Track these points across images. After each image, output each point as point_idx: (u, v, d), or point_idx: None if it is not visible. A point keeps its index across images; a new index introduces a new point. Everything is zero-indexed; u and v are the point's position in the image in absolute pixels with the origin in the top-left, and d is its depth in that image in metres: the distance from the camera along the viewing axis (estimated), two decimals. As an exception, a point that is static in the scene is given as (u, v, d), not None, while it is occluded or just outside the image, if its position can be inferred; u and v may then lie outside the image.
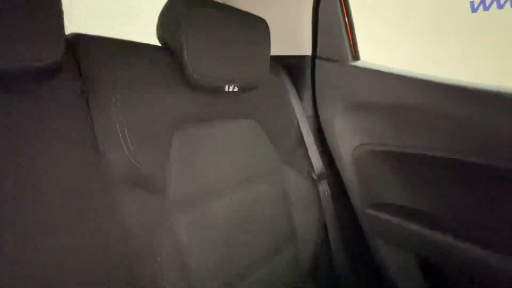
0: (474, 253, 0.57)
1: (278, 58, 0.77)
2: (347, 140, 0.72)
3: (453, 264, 0.62)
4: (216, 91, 0.54)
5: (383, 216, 0.70)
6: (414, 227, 0.66)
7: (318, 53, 0.74)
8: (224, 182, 0.55)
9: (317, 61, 0.75)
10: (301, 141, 0.73)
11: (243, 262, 0.56)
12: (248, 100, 0.63)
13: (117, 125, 0.42)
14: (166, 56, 0.51)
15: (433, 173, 0.64)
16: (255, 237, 0.59)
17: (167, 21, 0.52)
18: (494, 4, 1.98)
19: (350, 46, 0.72)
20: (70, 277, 0.36)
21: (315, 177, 0.72)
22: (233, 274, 0.54)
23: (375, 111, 0.67)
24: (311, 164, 0.72)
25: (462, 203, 0.61)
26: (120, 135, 0.42)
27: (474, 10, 2.09)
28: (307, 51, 0.75)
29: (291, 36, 0.76)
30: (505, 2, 1.88)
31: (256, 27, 0.58)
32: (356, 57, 0.72)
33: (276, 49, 0.72)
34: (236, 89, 0.55)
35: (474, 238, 0.58)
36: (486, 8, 2.05)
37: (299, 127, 0.72)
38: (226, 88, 0.54)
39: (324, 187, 0.72)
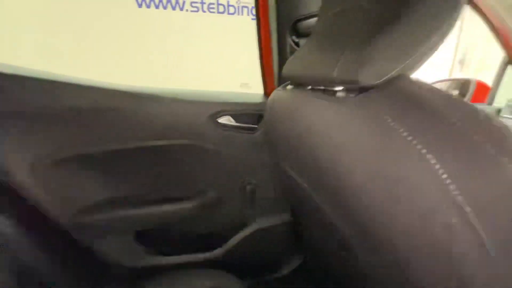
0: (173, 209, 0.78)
1: None
2: (17, 160, 0.62)
3: (160, 225, 0.81)
4: None
5: (93, 217, 0.73)
6: (124, 213, 0.75)
7: None
8: None
9: None
10: None
11: None
12: None
13: None
14: None
15: (113, 164, 0.74)
16: None
17: None
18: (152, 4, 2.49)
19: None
20: None
21: None
22: None
23: (27, 120, 0.62)
24: None
25: (142, 179, 0.79)
26: None
27: (139, 5, 2.50)
28: None
29: None
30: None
31: None
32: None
33: None
34: None
35: (163, 199, 0.79)
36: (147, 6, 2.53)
37: None
38: None
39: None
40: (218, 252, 0.88)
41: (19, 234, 0.60)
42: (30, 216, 0.65)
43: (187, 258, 0.85)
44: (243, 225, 0.91)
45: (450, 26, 0.32)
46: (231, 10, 2.68)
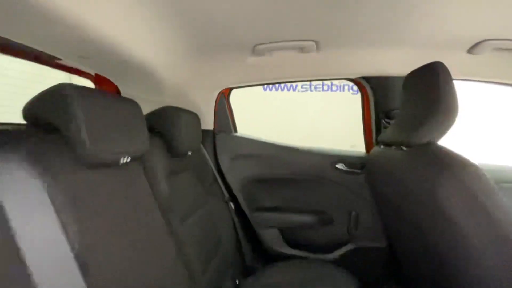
0: (304, 219, 1.30)
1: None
2: (236, 176, 1.29)
3: (293, 227, 1.32)
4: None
5: (261, 214, 1.31)
6: (277, 215, 1.31)
7: (217, 127, 1.30)
8: None
9: (216, 132, 1.29)
10: (215, 180, 1.21)
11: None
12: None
13: None
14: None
15: (281, 184, 1.33)
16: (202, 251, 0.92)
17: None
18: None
19: (231, 124, 1.32)
20: None
21: (226, 199, 1.20)
22: None
23: (250, 158, 1.29)
24: (222, 193, 1.21)
25: (294, 197, 1.34)
26: None
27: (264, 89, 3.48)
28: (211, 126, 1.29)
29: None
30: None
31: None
32: (235, 130, 1.34)
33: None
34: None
35: (305, 211, 1.31)
36: None
37: (213, 171, 1.21)
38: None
39: (231, 205, 1.22)
40: (328, 256, 1.29)
41: (235, 214, 1.24)
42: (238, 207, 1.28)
43: (306, 254, 1.30)
44: (347, 242, 1.30)
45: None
46: (334, 88, 3.36)
